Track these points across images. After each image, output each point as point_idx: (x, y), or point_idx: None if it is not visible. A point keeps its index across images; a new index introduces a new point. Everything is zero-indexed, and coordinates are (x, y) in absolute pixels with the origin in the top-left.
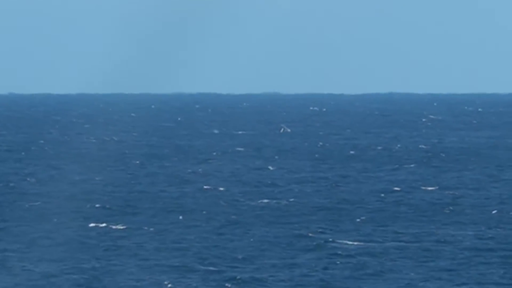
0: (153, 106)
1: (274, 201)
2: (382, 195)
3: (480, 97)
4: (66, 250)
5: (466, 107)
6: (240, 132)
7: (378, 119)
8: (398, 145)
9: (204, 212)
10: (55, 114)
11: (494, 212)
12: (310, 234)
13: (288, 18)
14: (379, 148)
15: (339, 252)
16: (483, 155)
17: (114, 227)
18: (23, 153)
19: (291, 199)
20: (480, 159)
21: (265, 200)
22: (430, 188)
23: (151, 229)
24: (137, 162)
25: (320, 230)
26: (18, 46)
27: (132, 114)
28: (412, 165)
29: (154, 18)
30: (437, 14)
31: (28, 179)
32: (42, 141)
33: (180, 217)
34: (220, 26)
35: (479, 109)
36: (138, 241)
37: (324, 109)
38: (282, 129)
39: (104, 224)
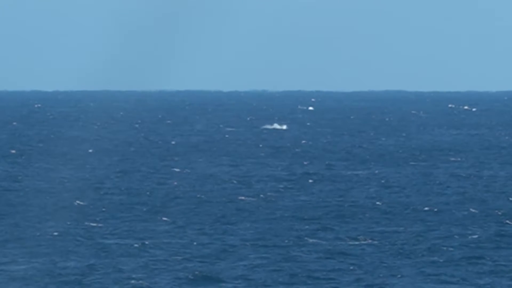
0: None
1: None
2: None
3: (469, 95)
4: (53, 248)
5: (451, 105)
6: (228, 129)
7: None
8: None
9: (196, 209)
10: (45, 111)
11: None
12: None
13: (276, 16)
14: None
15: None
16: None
17: (101, 225)
18: (12, 151)
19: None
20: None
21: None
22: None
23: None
24: (120, 159)
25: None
26: (5, 42)
27: (121, 113)
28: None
29: (144, 15)
30: (426, 11)
31: (18, 177)
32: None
33: (164, 218)
34: (209, 24)
35: (465, 107)
36: (129, 241)
37: (311, 108)
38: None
39: (92, 223)
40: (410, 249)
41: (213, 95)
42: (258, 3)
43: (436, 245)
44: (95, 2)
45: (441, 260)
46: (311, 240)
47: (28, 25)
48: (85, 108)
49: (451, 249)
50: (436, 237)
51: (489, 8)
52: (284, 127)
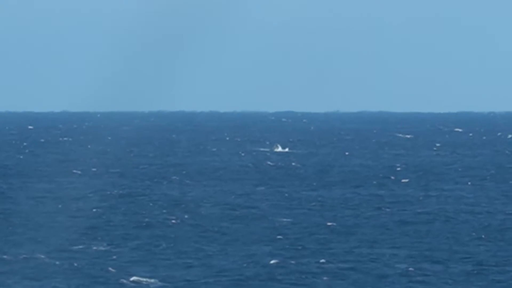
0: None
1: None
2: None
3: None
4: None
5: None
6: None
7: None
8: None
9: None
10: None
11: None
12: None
13: (273, 37)
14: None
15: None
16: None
17: (95, 244)
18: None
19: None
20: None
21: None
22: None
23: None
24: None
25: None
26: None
27: (108, 138)
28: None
29: (142, 36)
30: (419, 32)
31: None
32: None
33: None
34: (205, 45)
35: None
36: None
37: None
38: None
39: (86, 242)
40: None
41: (207, 115)
42: (256, 24)
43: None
44: (94, 22)
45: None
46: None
47: (25, 45)
48: (77, 129)
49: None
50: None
51: (484, 29)
52: (287, 149)
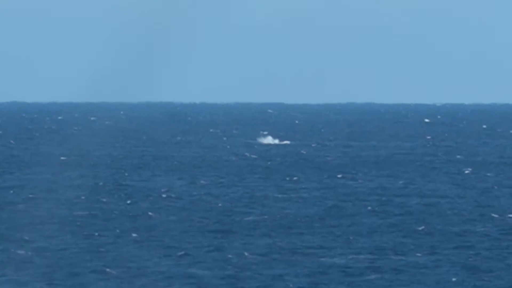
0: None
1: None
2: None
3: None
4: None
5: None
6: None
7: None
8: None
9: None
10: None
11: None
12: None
13: (263, 29)
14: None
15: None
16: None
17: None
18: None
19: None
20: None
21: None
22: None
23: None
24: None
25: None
26: None
27: (106, 122)
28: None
29: (131, 27)
30: (410, 24)
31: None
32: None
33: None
34: (196, 35)
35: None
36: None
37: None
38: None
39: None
40: None
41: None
42: (247, 16)
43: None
44: (85, 13)
45: None
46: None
47: (17, 36)
48: (69, 120)
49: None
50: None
51: (477, 20)
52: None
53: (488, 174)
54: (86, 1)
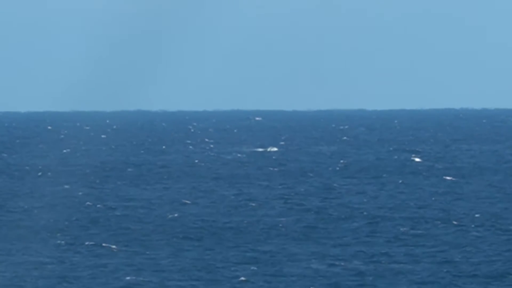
0: (114, 126)
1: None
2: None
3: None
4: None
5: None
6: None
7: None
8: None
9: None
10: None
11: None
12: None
13: (255, 34)
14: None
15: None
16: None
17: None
18: None
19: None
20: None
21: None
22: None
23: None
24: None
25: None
26: None
27: (92, 133)
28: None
29: (119, 36)
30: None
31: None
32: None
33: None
34: (186, 42)
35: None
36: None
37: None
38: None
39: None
40: None
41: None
42: (237, 21)
43: None
44: (75, 21)
45: None
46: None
47: (3, 45)
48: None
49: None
50: None
51: (474, 24)
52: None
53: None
54: (73, 10)
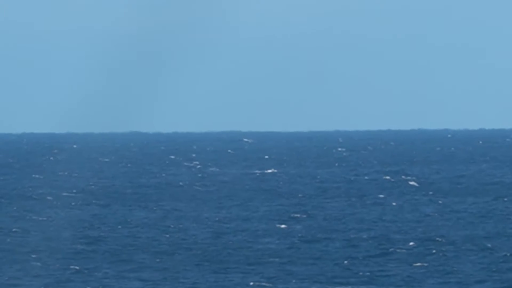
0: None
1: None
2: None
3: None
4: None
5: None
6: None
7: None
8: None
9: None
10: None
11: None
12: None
13: (254, 55)
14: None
15: None
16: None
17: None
18: None
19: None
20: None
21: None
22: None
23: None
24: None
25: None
26: None
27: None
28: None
29: (119, 57)
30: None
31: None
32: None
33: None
34: (186, 63)
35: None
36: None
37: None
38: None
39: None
40: None
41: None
42: (235, 41)
43: None
44: (71, 42)
45: None
46: None
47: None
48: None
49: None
50: None
51: (466, 46)
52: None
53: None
54: (74, 30)
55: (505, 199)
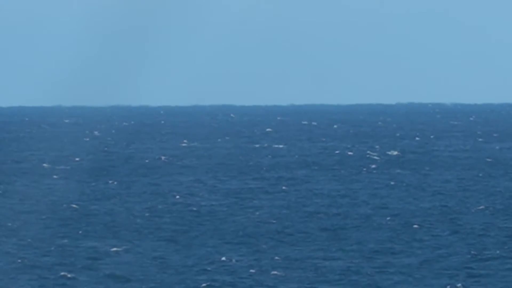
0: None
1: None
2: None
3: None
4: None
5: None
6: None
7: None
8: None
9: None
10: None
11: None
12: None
13: (241, 27)
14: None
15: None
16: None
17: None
18: None
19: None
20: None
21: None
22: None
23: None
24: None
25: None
26: None
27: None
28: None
29: (104, 30)
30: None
31: None
32: None
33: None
34: (171, 36)
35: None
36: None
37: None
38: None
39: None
40: None
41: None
42: (224, 15)
43: None
44: (62, 15)
45: None
46: None
47: None
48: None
49: None
50: None
51: (474, 23)
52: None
53: None
54: (61, 4)
55: None
